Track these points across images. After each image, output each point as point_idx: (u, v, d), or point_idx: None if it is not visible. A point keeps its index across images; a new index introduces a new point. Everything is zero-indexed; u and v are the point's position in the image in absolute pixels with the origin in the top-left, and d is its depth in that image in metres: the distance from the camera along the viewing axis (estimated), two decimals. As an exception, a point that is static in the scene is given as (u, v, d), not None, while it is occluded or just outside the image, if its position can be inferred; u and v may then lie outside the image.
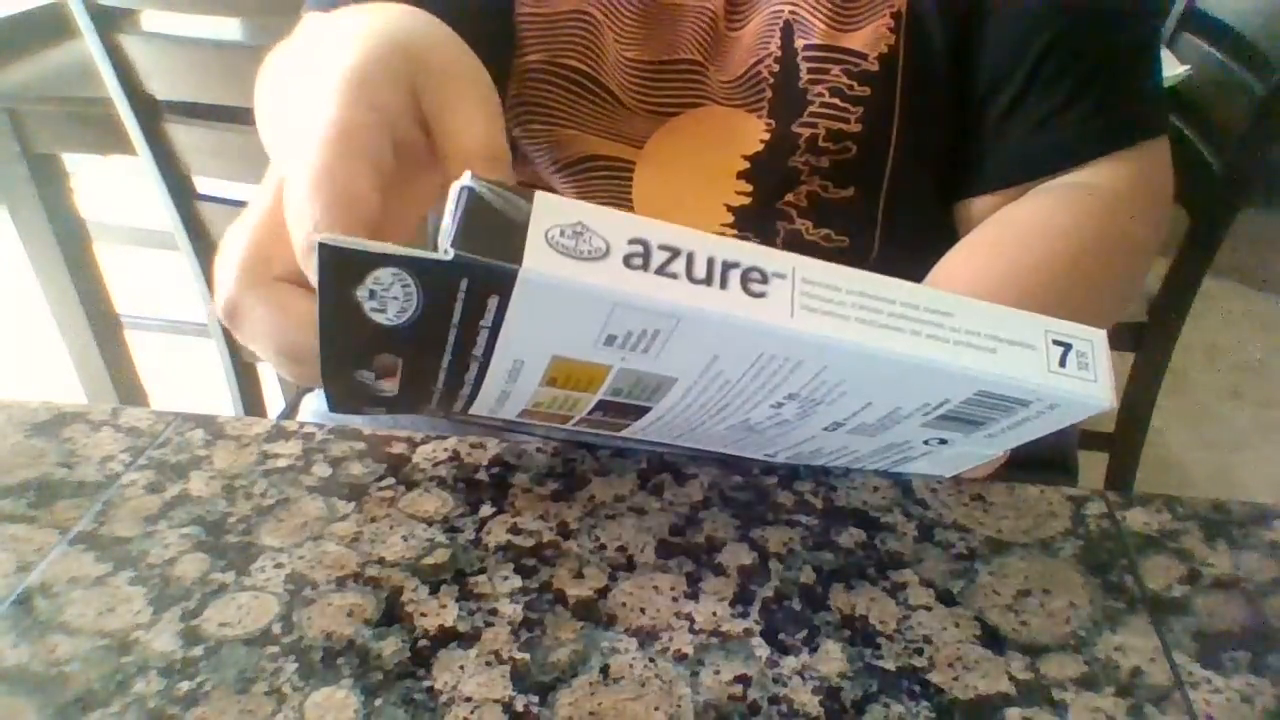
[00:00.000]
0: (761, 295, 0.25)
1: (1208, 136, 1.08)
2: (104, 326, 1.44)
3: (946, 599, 0.42)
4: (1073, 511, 0.47)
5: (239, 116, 1.04)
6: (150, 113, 1.06)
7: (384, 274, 0.25)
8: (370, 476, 0.49)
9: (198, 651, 0.39)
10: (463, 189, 0.24)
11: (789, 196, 0.58)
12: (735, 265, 0.25)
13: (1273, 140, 1.01)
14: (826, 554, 0.44)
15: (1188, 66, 1.15)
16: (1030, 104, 0.58)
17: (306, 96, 0.33)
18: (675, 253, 0.25)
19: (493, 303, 0.25)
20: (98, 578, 0.43)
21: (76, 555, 0.44)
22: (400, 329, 0.26)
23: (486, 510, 0.46)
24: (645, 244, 0.25)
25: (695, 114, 0.60)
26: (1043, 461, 0.64)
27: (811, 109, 0.58)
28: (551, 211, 0.24)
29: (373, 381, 0.31)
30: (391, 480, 0.48)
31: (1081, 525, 0.46)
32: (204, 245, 1.17)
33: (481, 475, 0.49)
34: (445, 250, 0.24)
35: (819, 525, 0.46)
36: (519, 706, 0.37)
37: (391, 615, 0.41)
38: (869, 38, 0.56)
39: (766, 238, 0.57)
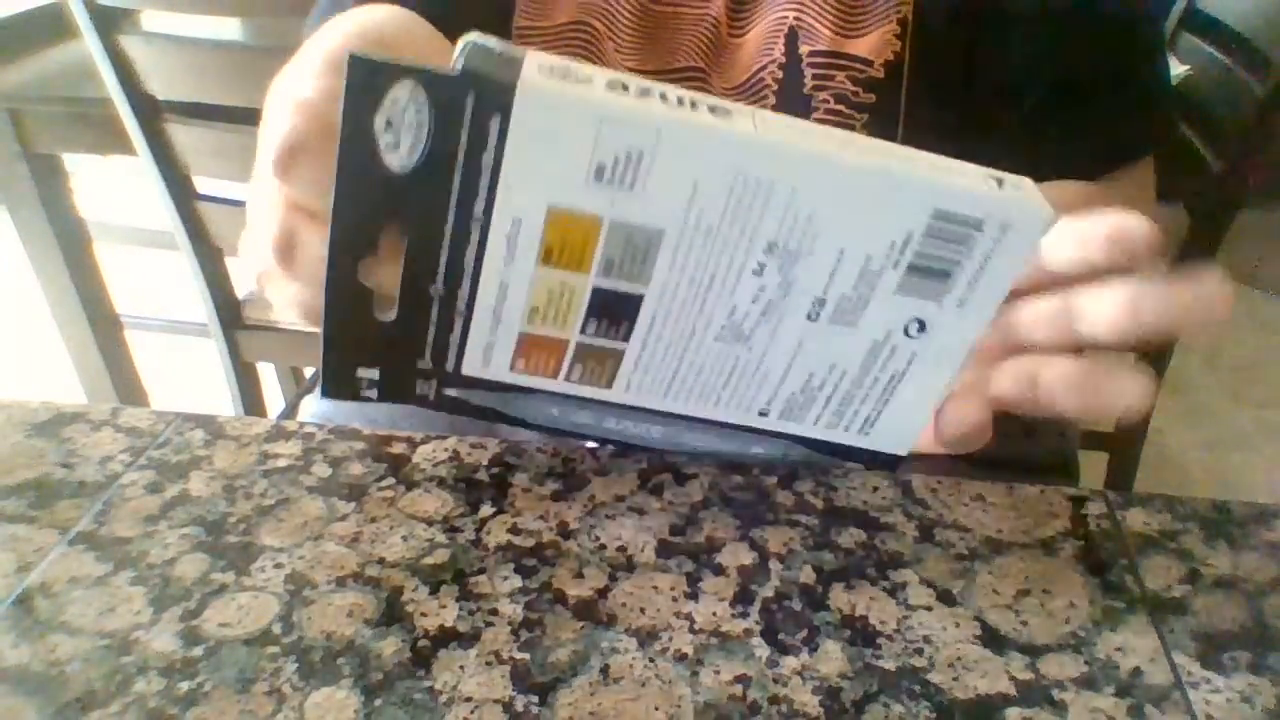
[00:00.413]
0: (728, 115, 0.29)
1: (1208, 136, 1.08)
2: (104, 326, 1.44)
3: (946, 599, 0.42)
4: (1073, 511, 0.47)
5: (239, 116, 1.04)
6: (150, 113, 1.06)
7: (401, 93, 0.27)
8: (370, 476, 0.49)
9: (198, 651, 0.39)
10: (466, 40, 0.28)
11: None
12: (699, 101, 0.29)
13: (1273, 140, 1.01)
14: (826, 554, 0.44)
15: (1188, 67, 1.15)
16: (1050, 114, 0.58)
17: (289, 80, 0.34)
18: (649, 88, 0.29)
19: (494, 128, 0.28)
20: (98, 578, 0.43)
21: (76, 555, 0.44)
22: (410, 177, 0.28)
23: (486, 510, 0.47)
24: (624, 81, 0.29)
25: None
26: (1044, 466, 0.64)
27: (816, 115, 0.58)
28: (543, 56, 0.28)
29: (370, 297, 0.32)
30: (391, 480, 0.48)
31: (1081, 525, 0.46)
32: (204, 245, 1.17)
33: (481, 475, 0.49)
34: (454, 67, 0.27)
35: (819, 525, 0.46)
36: (519, 706, 0.37)
37: (391, 615, 0.41)
38: (874, 44, 0.56)
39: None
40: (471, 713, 0.37)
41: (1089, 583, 0.43)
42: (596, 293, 0.32)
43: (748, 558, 0.44)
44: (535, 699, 0.37)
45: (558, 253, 0.31)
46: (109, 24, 1.01)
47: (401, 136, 0.28)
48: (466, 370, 0.35)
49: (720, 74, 0.61)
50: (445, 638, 0.40)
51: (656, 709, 0.37)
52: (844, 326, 0.34)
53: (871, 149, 0.30)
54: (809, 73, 0.58)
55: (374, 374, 0.35)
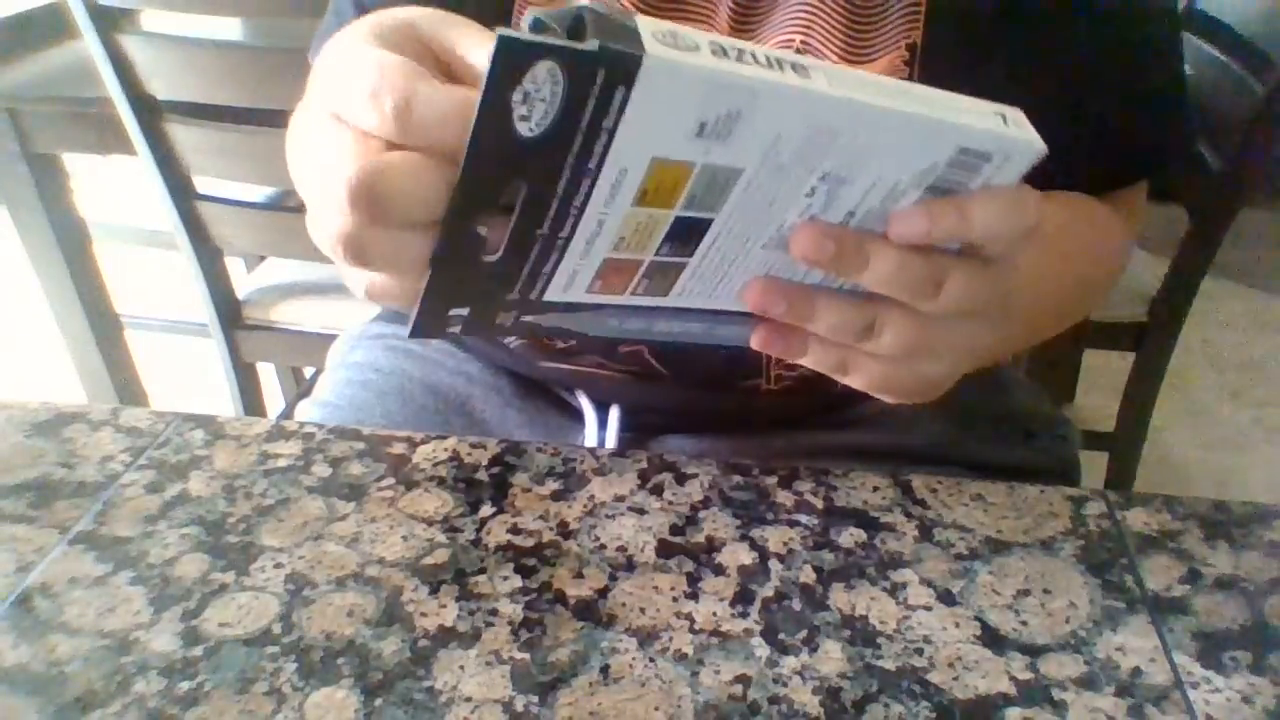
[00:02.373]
0: (807, 76, 0.33)
1: (1208, 136, 1.08)
2: (104, 326, 1.44)
3: (946, 599, 0.42)
4: (1073, 511, 0.47)
5: (239, 116, 1.04)
6: (150, 113, 1.06)
7: (541, 70, 0.30)
8: (370, 476, 0.49)
9: (198, 651, 0.39)
10: (580, 7, 0.30)
11: None
12: (783, 59, 0.33)
13: (1273, 140, 1.01)
14: (826, 554, 0.44)
15: (1188, 67, 1.15)
16: (1060, 141, 0.58)
17: (327, 73, 0.34)
18: (743, 49, 0.32)
19: (618, 96, 0.31)
20: (98, 578, 0.43)
21: (76, 555, 0.44)
22: (536, 141, 0.31)
23: (486, 510, 0.47)
24: (723, 45, 0.32)
25: None
26: (1045, 470, 0.64)
27: None
28: (650, 21, 0.31)
29: (482, 244, 0.35)
30: (391, 480, 0.48)
31: (1081, 525, 0.46)
32: (204, 245, 1.17)
33: (481, 475, 0.49)
34: (590, 42, 0.29)
35: (819, 525, 0.46)
36: (519, 706, 0.37)
37: (391, 615, 0.41)
38: (882, 69, 0.56)
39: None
40: (471, 713, 0.37)
41: (1089, 583, 0.43)
42: (677, 221, 0.36)
43: (748, 558, 0.44)
44: (535, 699, 0.37)
45: (652, 194, 0.35)
46: (109, 24, 1.01)
47: (534, 108, 0.30)
48: (549, 296, 0.38)
49: None
50: (445, 638, 0.40)
51: (656, 709, 0.37)
52: (866, 230, 0.39)
53: (916, 96, 0.35)
54: None
55: (464, 311, 0.37)
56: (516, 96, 0.30)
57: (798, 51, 0.59)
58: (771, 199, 0.36)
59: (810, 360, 0.40)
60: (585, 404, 0.62)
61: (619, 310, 0.40)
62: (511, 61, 0.29)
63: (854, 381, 0.40)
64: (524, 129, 0.31)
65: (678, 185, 0.35)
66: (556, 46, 0.29)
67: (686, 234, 0.37)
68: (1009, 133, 0.36)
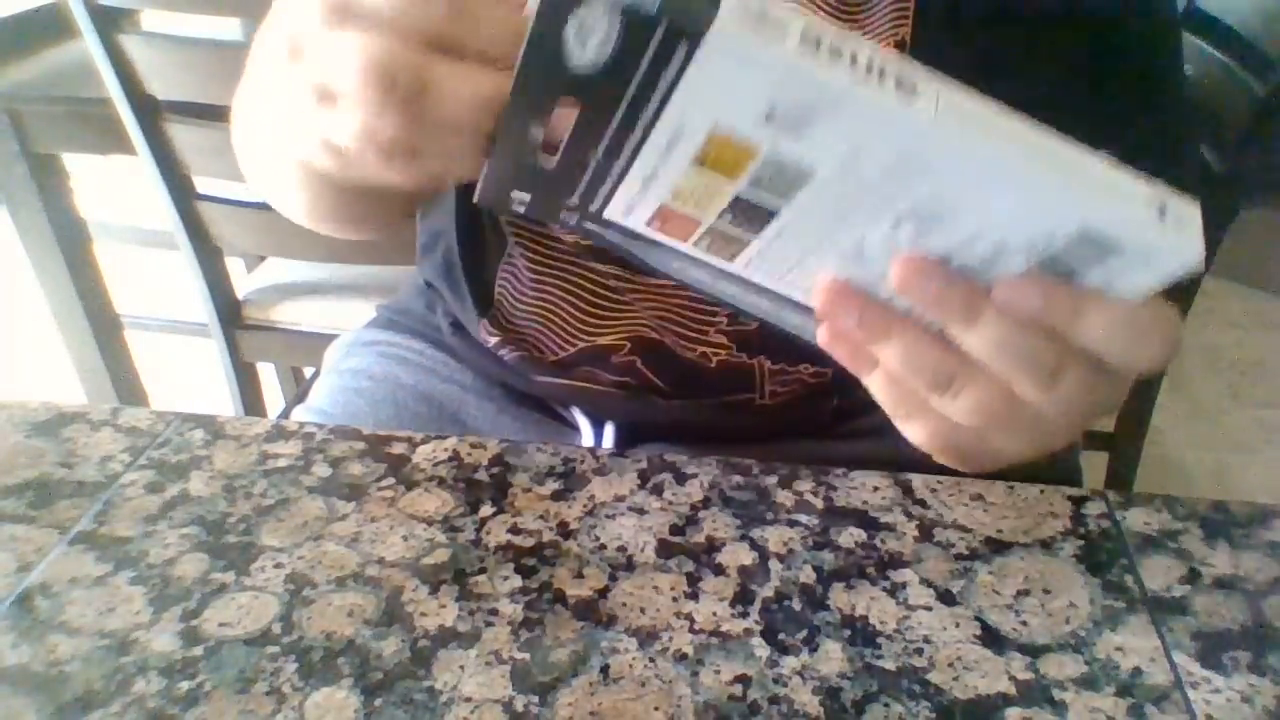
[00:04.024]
0: (912, 93, 0.29)
1: (1208, 136, 1.08)
2: (104, 326, 1.44)
3: (946, 599, 0.42)
4: (1073, 511, 0.47)
5: (239, 116, 1.04)
6: (150, 113, 1.06)
7: (593, 10, 0.28)
8: (370, 476, 0.49)
9: (198, 651, 0.39)
10: None
11: None
12: (888, 70, 0.30)
13: (1273, 140, 1.01)
14: (826, 554, 0.44)
15: (1188, 67, 1.15)
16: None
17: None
18: (841, 47, 0.29)
19: (679, 54, 0.29)
20: (98, 578, 0.43)
21: (76, 555, 0.44)
22: (590, 73, 0.30)
23: (486, 510, 0.47)
24: (819, 36, 0.29)
25: None
26: (1046, 479, 0.63)
27: None
28: None
29: (537, 148, 0.33)
30: (391, 480, 0.48)
31: (1081, 525, 0.46)
32: (204, 245, 1.17)
33: (481, 475, 0.49)
34: (651, 2, 0.28)
35: (819, 525, 0.46)
36: (519, 706, 0.37)
37: (391, 615, 0.41)
38: None
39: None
40: (471, 713, 0.37)
41: (1089, 583, 0.43)
42: (738, 199, 0.34)
43: (748, 558, 0.44)
44: (535, 699, 0.37)
45: (711, 161, 0.33)
46: (109, 24, 1.00)
47: (589, 46, 0.30)
48: (608, 216, 0.37)
49: None
50: (445, 638, 0.40)
51: (656, 709, 0.37)
52: (974, 275, 0.34)
53: (1045, 147, 0.30)
54: None
55: (526, 197, 0.36)
56: (570, 31, 0.29)
57: None
58: (849, 213, 0.33)
59: (872, 388, 0.36)
60: (581, 419, 0.61)
61: (683, 257, 0.38)
62: (556, 4, 0.29)
63: (910, 430, 0.36)
64: (577, 64, 0.30)
65: (740, 164, 0.33)
66: None
67: (750, 214, 0.35)
68: (1157, 229, 0.30)
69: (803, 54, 0.29)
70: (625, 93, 0.31)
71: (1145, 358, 0.31)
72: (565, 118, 0.33)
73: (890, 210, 0.32)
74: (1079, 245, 0.31)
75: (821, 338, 0.36)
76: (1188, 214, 0.30)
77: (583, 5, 0.29)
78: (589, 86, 0.31)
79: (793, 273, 0.37)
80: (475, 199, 0.36)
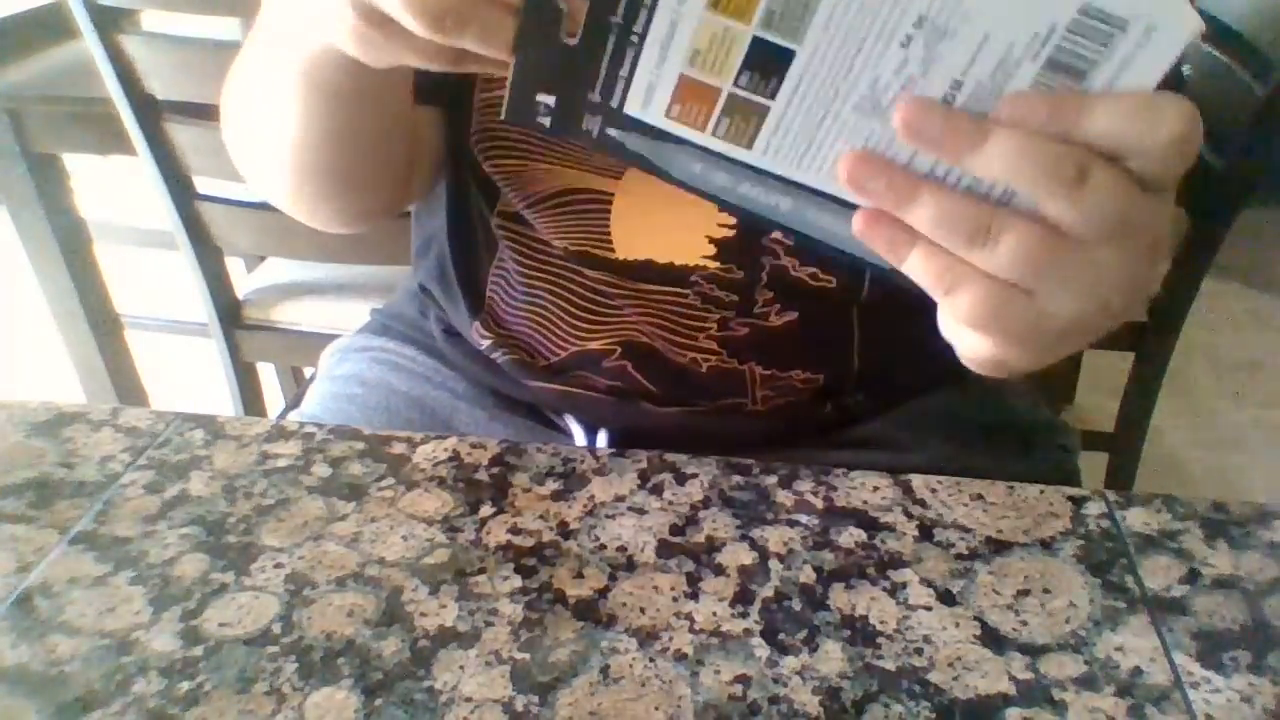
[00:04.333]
0: None
1: (1208, 136, 1.08)
2: (104, 326, 1.44)
3: (946, 599, 0.42)
4: (1073, 511, 0.47)
5: (239, 116, 1.04)
6: (150, 113, 1.06)
7: None
8: (370, 476, 0.49)
9: (198, 651, 0.39)
10: None
11: (775, 232, 0.57)
12: None
13: (1273, 140, 1.01)
14: (826, 554, 0.44)
15: (1188, 67, 1.15)
16: None
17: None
18: None
19: None
20: (98, 578, 0.43)
21: (76, 555, 0.44)
22: None
23: (486, 510, 0.47)
24: None
25: None
26: (1046, 481, 0.63)
27: None
28: None
29: (562, 19, 0.35)
30: (391, 480, 0.48)
31: (1081, 525, 0.46)
32: (204, 245, 1.17)
33: (481, 475, 0.49)
34: None
35: (819, 525, 0.46)
36: (519, 706, 0.37)
37: (391, 615, 0.41)
38: None
39: (750, 272, 0.56)
40: (471, 713, 0.37)
41: (1089, 583, 0.43)
42: (755, 42, 0.35)
43: (748, 558, 0.44)
44: (535, 699, 0.37)
45: (724, 3, 0.34)
46: (109, 24, 1.00)
47: None
48: (628, 109, 0.38)
49: None
50: (445, 638, 0.40)
51: (656, 709, 0.37)
52: (975, 115, 0.34)
53: None
54: None
55: (550, 100, 0.38)
56: None
57: None
58: (861, 37, 0.34)
59: (912, 268, 0.34)
60: (574, 426, 0.61)
61: (704, 157, 0.39)
62: None
63: (956, 308, 0.34)
64: None
65: (751, 1, 0.33)
66: None
67: (766, 64, 0.35)
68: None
69: None
70: None
71: (1165, 139, 0.30)
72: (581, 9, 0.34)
73: (900, 27, 0.33)
74: (1082, 29, 0.31)
75: (856, 225, 0.35)
76: None
77: None
78: None
79: (811, 152, 0.37)
80: (501, 114, 0.37)
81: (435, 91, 0.57)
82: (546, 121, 0.38)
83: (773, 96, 0.36)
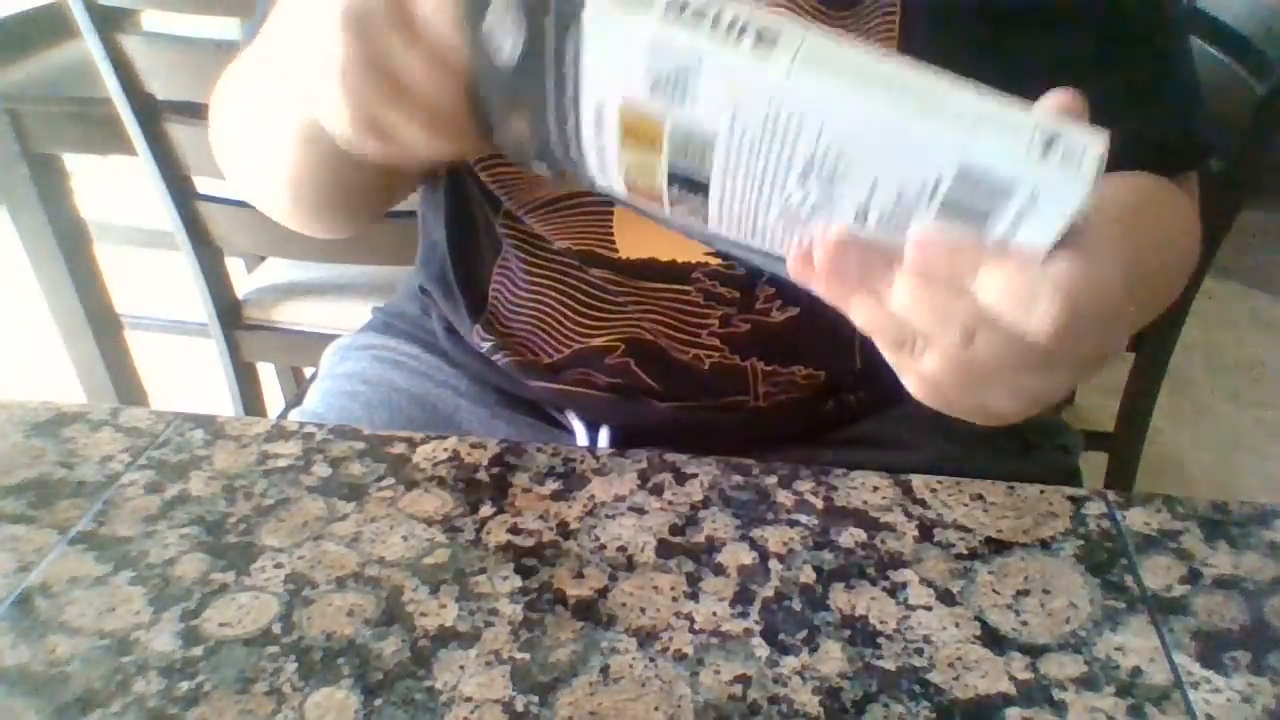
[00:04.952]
0: (772, 45, 0.31)
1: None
2: (104, 326, 1.44)
3: (946, 599, 0.42)
4: (1073, 511, 0.47)
5: (239, 116, 1.04)
6: (150, 113, 1.06)
7: (499, 6, 0.33)
8: (370, 476, 0.49)
9: (198, 651, 0.39)
10: None
11: None
12: (750, 26, 0.31)
13: (1273, 140, 1.01)
14: (826, 554, 0.44)
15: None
16: None
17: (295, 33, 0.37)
18: (704, 11, 0.31)
19: (572, 37, 0.32)
20: (98, 578, 0.43)
21: (76, 555, 0.44)
22: (515, 70, 0.34)
23: (486, 510, 0.47)
24: (684, 2, 0.32)
25: None
26: (1046, 483, 0.63)
27: None
28: None
29: (521, 136, 0.37)
30: (391, 480, 0.48)
31: (1081, 525, 0.46)
32: (204, 245, 1.17)
33: (481, 475, 0.49)
34: None
35: (819, 525, 0.46)
36: (519, 706, 0.37)
37: (391, 615, 0.41)
38: None
39: (752, 276, 0.56)
40: (471, 713, 0.37)
41: (1089, 583, 0.43)
42: (672, 172, 0.36)
43: (748, 558, 0.44)
44: (535, 699, 0.37)
45: (634, 139, 0.35)
46: (109, 24, 1.00)
47: (505, 43, 0.34)
48: (598, 184, 0.39)
49: None
50: (445, 638, 0.40)
51: (656, 709, 0.37)
52: (894, 230, 0.34)
53: (915, 87, 0.30)
54: None
55: (543, 166, 0.39)
56: (486, 27, 0.33)
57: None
58: (759, 176, 0.34)
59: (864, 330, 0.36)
60: (576, 423, 0.61)
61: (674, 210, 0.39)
62: (471, 3, 0.33)
63: (907, 384, 0.36)
64: (499, 61, 0.34)
65: (655, 136, 0.34)
66: None
67: (691, 185, 0.36)
68: (1040, 163, 0.28)
69: (665, 22, 0.31)
70: (548, 81, 0.34)
71: (1036, 329, 0.30)
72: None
73: (790, 169, 0.33)
74: (965, 187, 0.30)
75: (792, 270, 0.36)
76: (1083, 147, 0.28)
77: (489, 8, 0.33)
78: (521, 82, 0.34)
79: (757, 232, 0.37)
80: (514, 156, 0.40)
81: None
82: (548, 175, 0.40)
83: (704, 201, 0.37)
